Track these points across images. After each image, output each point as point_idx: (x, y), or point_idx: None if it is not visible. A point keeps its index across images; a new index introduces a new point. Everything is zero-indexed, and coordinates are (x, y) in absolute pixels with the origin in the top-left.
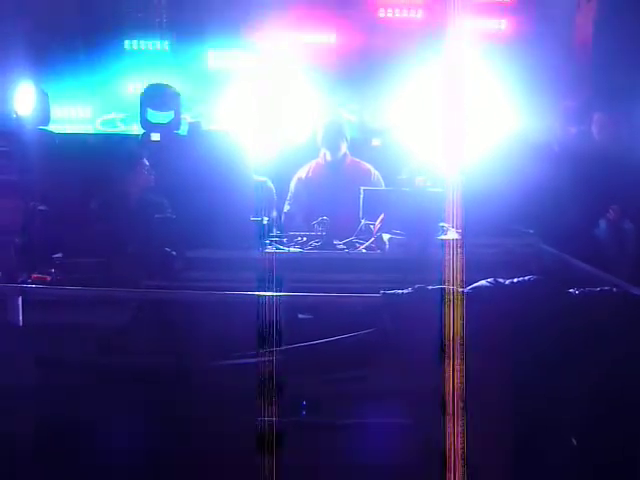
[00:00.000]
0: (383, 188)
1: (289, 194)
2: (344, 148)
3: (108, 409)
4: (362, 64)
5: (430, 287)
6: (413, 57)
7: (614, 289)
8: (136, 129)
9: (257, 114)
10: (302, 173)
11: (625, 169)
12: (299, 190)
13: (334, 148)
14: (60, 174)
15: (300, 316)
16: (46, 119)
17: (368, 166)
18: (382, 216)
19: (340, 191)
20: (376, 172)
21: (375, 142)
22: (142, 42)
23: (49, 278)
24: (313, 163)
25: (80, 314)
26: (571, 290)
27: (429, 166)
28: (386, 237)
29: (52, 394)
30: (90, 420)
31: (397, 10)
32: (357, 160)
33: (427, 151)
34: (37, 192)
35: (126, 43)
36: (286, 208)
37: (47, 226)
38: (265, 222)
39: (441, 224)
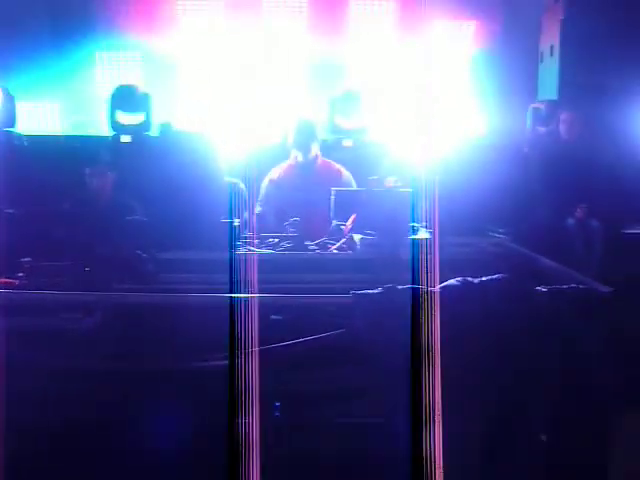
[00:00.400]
0: (354, 189)
1: (260, 195)
2: (315, 149)
3: (79, 412)
4: (333, 63)
5: (400, 287)
6: (385, 55)
7: (580, 286)
8: (106, 131)
9: (228, 115)
10: (273, 174)
11: (592, 168)
12: (270, 191)
13: (305, 149)
14: (28, 176)
15: (272, 317)
16: (12, 120)
17: (339, 167)
18: (353, 216)
19: (311, 192)
20: (347, 173)
21: (346, 143)
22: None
23: (17, 282)
24: (284, 164)
25: (49, 318)
26: (539, 288)
27: (400, 166)
28: (357, 237)
29: (21, 399)
30: (62, 423)
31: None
32: (328, 161)
33: (398, 151)
34: (4, 194)
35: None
36: (257, 209)
37: (15, 229)
38: (236, 223)
39: (412, 224)
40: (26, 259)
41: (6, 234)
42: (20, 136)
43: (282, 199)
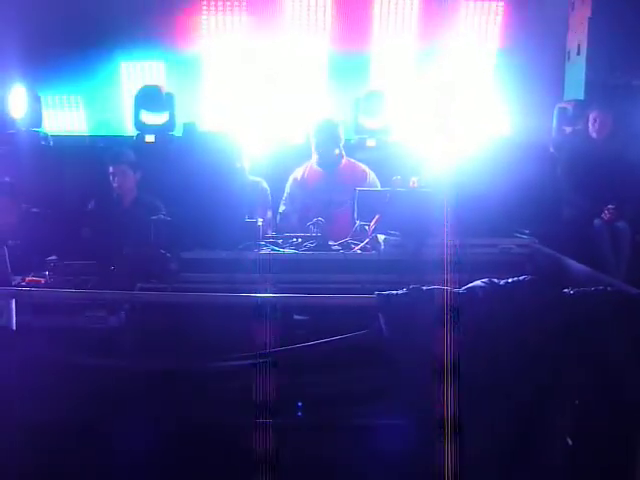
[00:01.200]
0: (377, 189)
1: (284, 195)
2: (338, 149)
3: (102, 411)
4: (356, 63)
5: (425, 288)
6: (410, 57)
7: (608, 288)
8: (130, 131)
9: (252, 114)
10: (298, 174)
11: (620, 169)
12: (294, 191)
13: (328, 149)
14: (54, 175)
15: (296, 317)
16: (38, 121)
17: (363, 167)
18: (377, 217)
19: (335, 192)
20: (371, 173)
21: (370, 143)
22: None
23: (43, 281)
24: (309, 164)
25: (74, 317)
26: (566, 290)
27: (424, 166)
28: (381, 238)
29: (46, 397)
30: (84, 422)
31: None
32: (352, 161)
33: (422, 151)
34: (30, 194)
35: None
36: (281, 209)
37: (41, 228)
38: (260, 223)
39: (436, 224)
40: (52, 258)
41: (32, 233)
42: (46, 136)
43: (306, 199)
